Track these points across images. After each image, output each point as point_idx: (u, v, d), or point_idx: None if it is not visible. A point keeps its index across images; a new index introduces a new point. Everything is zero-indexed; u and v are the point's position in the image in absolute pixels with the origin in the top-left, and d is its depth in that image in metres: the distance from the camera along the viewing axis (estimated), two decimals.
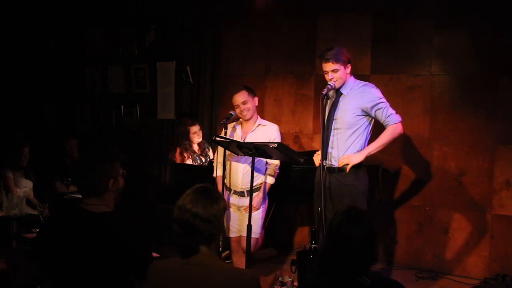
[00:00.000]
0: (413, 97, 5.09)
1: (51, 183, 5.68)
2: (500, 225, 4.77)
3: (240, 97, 3.97)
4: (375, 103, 3.72)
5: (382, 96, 3.77)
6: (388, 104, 3.75)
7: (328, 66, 3.75)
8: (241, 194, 4.00)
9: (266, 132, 3.99)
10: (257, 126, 4.01)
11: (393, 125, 3.71)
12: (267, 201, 4.14)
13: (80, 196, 2.45)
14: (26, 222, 4.48)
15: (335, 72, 3.73)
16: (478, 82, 4.84)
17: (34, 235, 3.88)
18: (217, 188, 4.09)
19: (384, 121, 3.73)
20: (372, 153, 3.72)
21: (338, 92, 3.84)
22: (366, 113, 3.75)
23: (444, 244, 5.00)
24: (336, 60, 3.72)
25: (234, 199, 4.03)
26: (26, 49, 7.19)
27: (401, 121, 3.73)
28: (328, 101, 3.83)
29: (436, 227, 5.04)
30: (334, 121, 3.79)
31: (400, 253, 5.20)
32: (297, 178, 4.45)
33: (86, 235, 2.28)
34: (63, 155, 5.93)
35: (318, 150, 3.87)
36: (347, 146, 3.76)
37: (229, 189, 4.06)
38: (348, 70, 3.79)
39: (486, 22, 4.76)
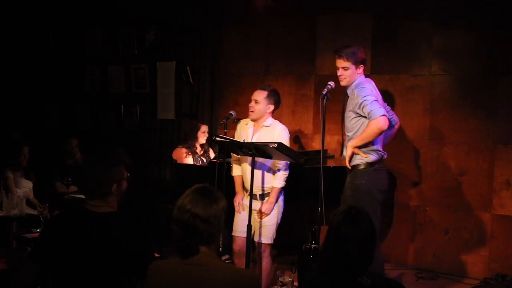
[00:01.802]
0: (413, 97, 5.09)
1: (51, 183, 5.68)
2: (500, 225, 4.77)
3: (257, 95, 3.88)
4: (359, 103, 3.65)
5: (367, 94, 3.64)
6: (370, 101, 3.60)
7: (339, 63, 3.76)
8: (253, 197, 3.84)
9: (269, 132, 3.89)
10: (261, 127, 3.94)
11: (372, 121, 3.58)
12: (281, 206, 3.99)
13: (81, 196, 2.45)
14: (26, 222, 4.49)
15: (345, 70, 3.75)
16: (478, 82, 4.84)
17: (34, 235, 3.89)
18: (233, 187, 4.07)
19: (367, 116, 3.64)
20: (356, 145, 3.67)
21: (346, 94, 3.87)
22: (360, 115, 3.71)
23: (444, 244, 5.00)
24: (348, 58, 3.72)
25: (247, 201, 3.90)
26: (26, 49, 7.19)
27: (382, 115, 3.56)
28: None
29: (436, 227, 5.04)
30: (344, 124, 3.86)
31: (400, 253, 5.20)
32: (297, 178, 4.44)
33: (90, 235, 2.28)
34: (63, 155, 5.93)
35: (319, 150, 3.90)
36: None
37: (246, 190, 3.98)
38: (360, 70, 3.78)
39: (486, 22, 4.76)
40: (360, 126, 3.73)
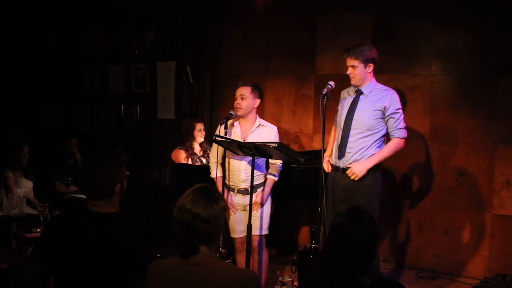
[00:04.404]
0: (413, 97, 5.09)
1: (51, 183, 5.68)
2: (500, 225, 4.77)
3: (242, 91, 3.91)
4: (393, 110, 3.75)
5: (401, 106, 3.81)
6: (403, 116, 3.79)
7: (347, 61, 3.79)
8: (245, 192, 3.89)
9: (267, 133, 3.93)
10: (258, 127, 3.94)
11: (399, 139, 3.77)
12: (271, 198, 4.03)
13: (81, 196, 2.46)
14: (26, 222, 4.49)
15: (354, 69, 3.77)
16: (478, 82, 4.84)
17: (34, 235, 3.89)
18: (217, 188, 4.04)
19: (392, 131, 3.77)
20: (376, 164, 3.74)
21: (358, 91, 3.85)
22: (383, 118, 3.77)
23: (444, 244, 5.00)
24: (355, 57, 3.74)
25: (238, 199, 3.93)
26: (26, 49, 7.19)
27: (405, 138, 3.80)
28: (345, 100, 3.87)
29: (436, 227, 5.04)
30: (353, 121, 3.80)
31: (400, 253, 5.20)
32: (297, 178, 4.44)
33: (93, 235, 2.28)
34: (63, 155, 5.93)
35: (319, 150, 3.88)
36: (364, 148, 3.78)
37: (232, 189, 3.97)
38: (369, 69, 3.79)
39: (486, 22, 4.76)
40: (381, 128, 3.77)
